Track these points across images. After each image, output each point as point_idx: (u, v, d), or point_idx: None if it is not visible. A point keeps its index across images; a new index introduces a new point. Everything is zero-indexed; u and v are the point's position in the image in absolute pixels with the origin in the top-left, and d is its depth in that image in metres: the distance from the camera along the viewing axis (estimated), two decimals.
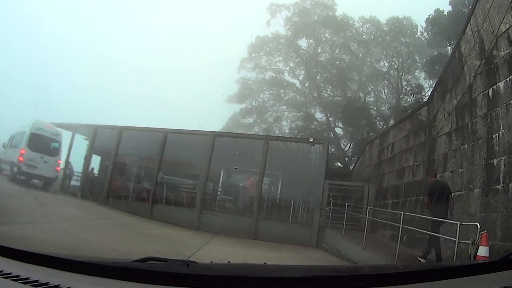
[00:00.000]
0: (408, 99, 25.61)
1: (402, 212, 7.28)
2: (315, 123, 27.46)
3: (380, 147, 14.24)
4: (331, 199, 13.04)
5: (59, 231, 8.56)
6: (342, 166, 25.68)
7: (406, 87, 26.33)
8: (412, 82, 26.33)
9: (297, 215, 15.96)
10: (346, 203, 11.11)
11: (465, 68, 9.48)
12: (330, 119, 27.42)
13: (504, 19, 7.88)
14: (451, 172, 8.79)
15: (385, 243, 9.87)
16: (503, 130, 7.26)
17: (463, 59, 9.72)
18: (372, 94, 28.92)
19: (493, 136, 7.54)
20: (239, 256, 9.55)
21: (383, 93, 28.40)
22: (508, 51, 7.61)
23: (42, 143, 16.59)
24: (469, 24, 9.70)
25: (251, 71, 29.30)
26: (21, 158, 15.84)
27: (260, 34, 28.44)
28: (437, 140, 9.91)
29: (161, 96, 50.47)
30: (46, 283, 1.44)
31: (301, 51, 27.89)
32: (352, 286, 1.63)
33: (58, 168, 17.91)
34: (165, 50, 54.68)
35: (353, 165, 24.45)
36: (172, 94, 48.93)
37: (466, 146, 8.51)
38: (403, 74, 26.39)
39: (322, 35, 27.36)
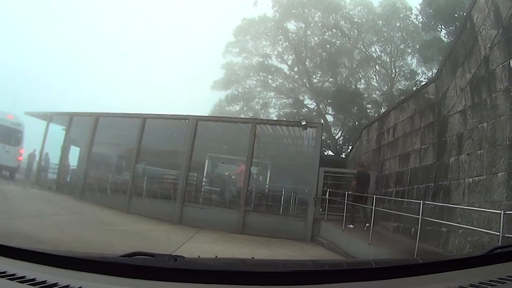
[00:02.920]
0: (400, 86, 24.87)
1: (421, 201, 6.12)
2: (304, 110, 26.42)
3: (380, 131, 13.11)
4: (326, 188, 11.92)
5: (19, 227, 7.71)
6: (334, 154, 24.72)
7: (398, 73, 25.55)
8: (405, 68, 25.58)
9: (288, 207, 15.02)
10: (346, 192, 9.97)
11: (479, 39, 8.39)
12: (320, 105, 26.40)
13: None
14: (468, 154, 7.69)
15: (392, 237, 8.79)
16: None
17: (476, 29, 8.62)
18: (363, 81, 28.05)
19: None
20: (225, 254, 8.68)
21: (375, 80, 27.53)
22: None
23: (3, 133, 16.85)
24: None
25: (237, 56, 28.23)
26: None
27: (246, 16, 27.20)
28: (448, 120, 8.81)
29: (143, 82, 48.75)
30: (33, 279, 1.41)
31: (290, 34, 26.69)
32: (346, 280, 1.59)
33: (20, 158, 18.36)
34: (147, 34, 52.76)
35: (344, 153, 23.59)
36: (154, 80, 47.22)
37: (485, 124, 7.41)
38: (396, 60, 25.46)
39: (311, 17, 26.13)
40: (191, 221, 12.41)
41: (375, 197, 8.59)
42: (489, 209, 6.31)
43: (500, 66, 7.29)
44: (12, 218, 9.08)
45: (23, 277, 1.42)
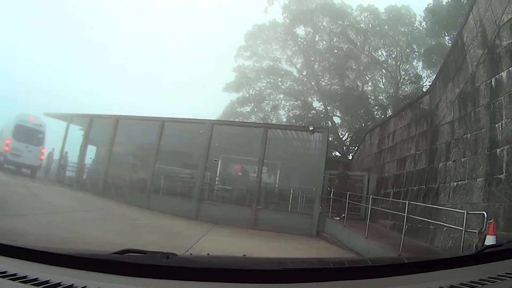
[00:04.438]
0: (406, 89, 25.66)
1: (407, 201, 7.22)
2: (313, 112, 27.34)
3: (381, 136, 14.18)
4: (330, 188, 13.03)
5: (50, 223, 8.54)
6: (340, 155, 25.67)
7: (404, 77, 26.36)
8: (410, 71, 26.37)
9: (296, 205, 15.97)
10: (348, 192, 11.06)
11: (467, 57, 9.40)
12: (328, 107, 27.33)
13: (507, 9, 7.83)
14: (454, 161, 8.74)
15: (387, 233, 9.85)
16: (506, 120, 7.20)
17: (466, 48, 9.63)
18: (370, 84, 28.81)
19: (496, 125, 7.49)
20: (238, 246, 9.47)
21: (381, 82, 28.30)
22: (510, 41, 7.56)
23: (26, 133, 17.81)
24: (471, 13, 9.63)
25: (248, 59, 29.10)
26: (6, 148, 17.02)
27: (257, 22, 28.26)
28: (439, 129, 9.85)
29: (156, 84, 50.21)
30: (25, 276, 1.41)
31: (299, 39, 27.58)
32: (332, 279, 1.62)
33: (42, 157, 19.21)
34: (163, 41, 54.28)
35: (351, 154, 24.49)
36: (168, 82, 48.62)
37: (469, 135, 8.45)
38: (401, 64, 26.26)
39: (320, 23, 27.00)
40: (206, 217, 13.36)
41: (371, 197, 9.68)
42: (470, 210, 7.34)
43: (484, 83, 8.33)
44: (45, 213, 9.94)
45: (25, 276, 1.41)
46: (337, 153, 26.06)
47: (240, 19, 41.12)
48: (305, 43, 27.57)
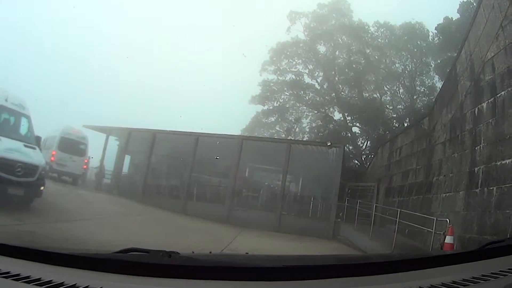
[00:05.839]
0: (424, 99, 26.99)
1: (399, 209, 9.12)
2: (333, 123, 29.01)
3: (390, 151, 15.99)
4: (347, 197, 14.87)
5: (112, 226, 10.13)
6: (359, 164, 27.24)
7: (420, 87, 27.74)
8: (426, 82, 27.69)
9: (316, 211, 17.66)
10: (358, 201, 12.91)
11: (458, 87, 11.10)
12: (348, 118, 28.98)
13: (491, 47, 9.44)
14: (444, 176, 10.52)
15: (389, 235, 11.64)
16: (483, 144, 8.93)
17: (458, 78, 11.34)
18: (388, 93, 30.21)
19: (476, 148, 9.22)
20: (266, 245, 11.04)
21: (399, 93, 29.66)
22: (491, 76, 9.19)
23: (70, 145, 19.27)
24: (463, 47, 11.29)
25: (272, 74, 30.90)
26: (52, 158, 18.17)
27: (280, 40, 30.08)
28: (435, 148, 11.62)
29: (191, 97, 53.83)
30: (27, 277, 1.43)
31: (320, 55, 29.45)
32: (332, 277, 1.65)
33: (84, 166, 20.72)
34: (197, 58, 58.17)
35: (368, 163, 26.06)
36: (199, 96, 52.10)
37: (456, 155, 10.21)
38: (417, 77, 27.68)
39: (339, 40, 28.84)
40: (237, 221, 14.88)
41: (375, 206, 11.60)
42: (454, 218, 9.15)
43: (469, 111, 10.06)
44: (105, 218, 11.81)
45: (28, 277, 1.43)
46: (357, 161, 27.61)
47: (265, 36, 44.33)
48: (325, 58, 29.39)
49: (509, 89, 8.37)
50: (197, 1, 61.58)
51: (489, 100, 9.11)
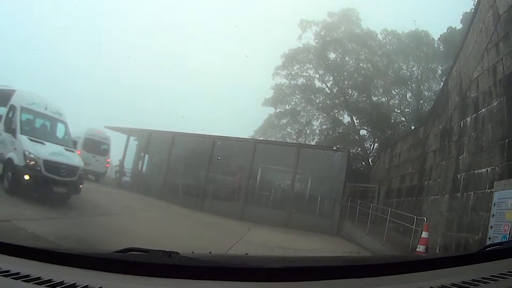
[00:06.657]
0: (429, 103, 27.99)
1: (389, 209, 10.56)
2: (342, 127, 30.28)
3: (390, 156, 17.36)
4: (350, 198, 16.28)
5: (140, 219, 11.71)
6: (365, 165, 28.48)
7: (427, 92, 28.83)
8: (433, 87, 28.71)
9: (322, 209, 19.05)
10: (358, 201, 14.34)
11: (449, 101, 12.38)
12: (356, 121, 30.22)
13: (477, 68, 10.64)
14: (433, 180, 11.90)
15: (383, 232, 12.92)
16: (465, 154, 10.23)
17: (449, 93, 12.61)
18: (396, 97, 31.16)
19: (460, 157, 10.53)
20: (277, 239, 12.22)
21: (406, 97, 30.63)
22: (475, 94, 10.43)
23: (94, 145, 20.62)
24: (455, 65, 12.56)
25: (284, 78, 32.23)
26: None
27: (292, 46, 31.43)
28: (427, 155, 12.97)
29: (210, 100, 56.50)
30: (27, 275, 1.43)
31: (330, 61, 30.60)
32: (331, 278, 1.65)
33: (107, 165, 22.15)
34: (218, 64, 61.24)
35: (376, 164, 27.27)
36: (218, 98, 54.70)
37: (443, 162, 11.55)
38: (424, 82, 28.80)
39: (348, 46, 30.07)
40: (249, 218, 16.28)
41: (372, 206, 13.05)
42: (439, 218, 10.54)
43: (456, 124, 11.35)
44: (133, 213, 13.32)
45: (28, 275, 1.43)
46: (363, 163, 28.89)
47: (278, 43, 46.90)
48: (335, 64, 30.58)
49: (489, 107, 9.69)
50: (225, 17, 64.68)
51: (472, 116, 10.30)
